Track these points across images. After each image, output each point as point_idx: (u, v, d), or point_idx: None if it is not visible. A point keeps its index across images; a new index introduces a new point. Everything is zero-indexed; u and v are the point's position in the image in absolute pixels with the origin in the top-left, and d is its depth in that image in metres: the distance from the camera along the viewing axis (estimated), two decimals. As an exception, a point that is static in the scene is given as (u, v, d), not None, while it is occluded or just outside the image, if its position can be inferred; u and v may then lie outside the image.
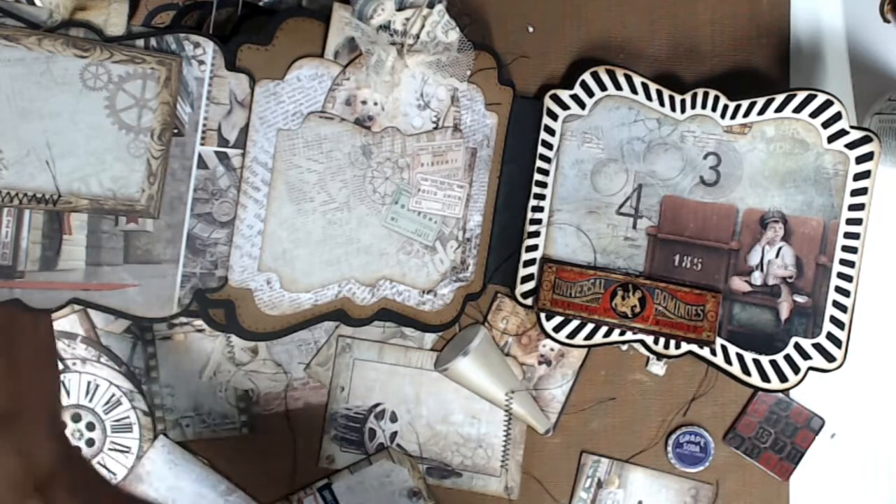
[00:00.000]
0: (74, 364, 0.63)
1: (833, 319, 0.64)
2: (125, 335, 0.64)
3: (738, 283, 0.65)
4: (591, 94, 0.66)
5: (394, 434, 0.68)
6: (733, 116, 0.65)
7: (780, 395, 0.69)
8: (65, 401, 0.62)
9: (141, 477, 0.65)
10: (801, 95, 0.64)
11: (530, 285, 0.67)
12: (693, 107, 0.65)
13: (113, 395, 0.63)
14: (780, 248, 0.65)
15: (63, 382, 0.63)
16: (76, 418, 0.63)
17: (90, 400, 0.63)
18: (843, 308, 0.64)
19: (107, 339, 0.64)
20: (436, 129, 0.64)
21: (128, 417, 0.64)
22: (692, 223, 0.66)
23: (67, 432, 0.61)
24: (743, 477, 0.69)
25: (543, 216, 0.67)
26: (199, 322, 0.64)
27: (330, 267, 0.62)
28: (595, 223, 0.67)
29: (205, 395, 0.65)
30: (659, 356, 0.66)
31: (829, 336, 0.64)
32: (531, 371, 0.69)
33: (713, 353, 0.65)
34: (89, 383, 0.63)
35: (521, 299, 0.67)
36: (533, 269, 0.67)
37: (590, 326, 0.66)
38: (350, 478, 0.67)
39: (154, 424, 0.65)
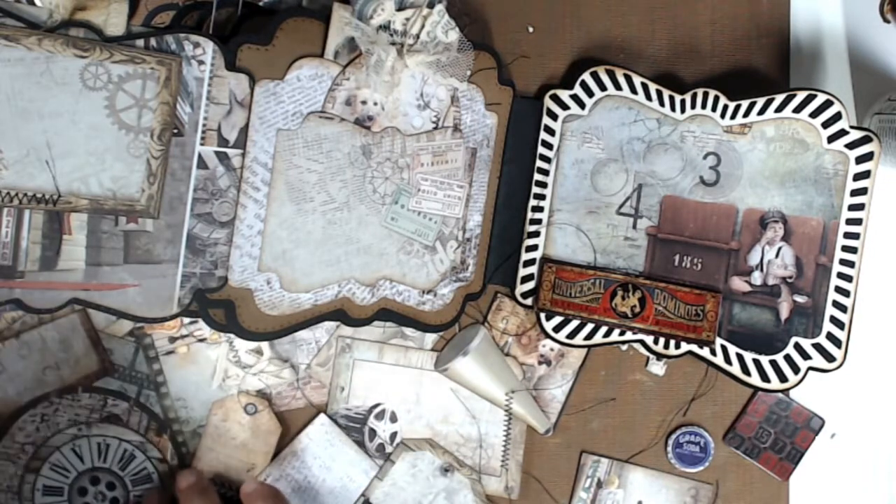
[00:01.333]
0: (80, 430, 0.63)
1: (833, 319, 0.64)
2: (127, 339, 0.64)
3: (738, 283, 0.65)
4: (591, 94, 0.66)
5: (394, 434, 0.68)
6: (733, 116, 0.65)
7: (780, 395, 0.69)
8: (80, 466, 0.63)
9: (296, 452, 0.66)
10: (801, 95, 0.64)
11: (530, 285, 0.67)
12: (693, 107, 0.65)
13: (125, 451, 0.63)
14: (780, 248, 0.65)
15: (75, 450, 0.63)
16: (95, 481, 0.63)
17: (104, 461, 0.63)
18: (843, 308, 0.64)
19: (108, 342, 0.64)
20: (436, 129, 0.64)
21: (144, 469, 0.64)
22: (692, 223, 0.66)
23: (89, 496, 0.63)
24: (743, 477, 0.69)
25: (543, 216, 0.67)
26: (199, 332, 0.65)
27: (330, 267, 0.63)
28: (595, 223, 0.67)
29: None
30: (659, 356, 0.66)
31: (829, 336, 0.64)
32: (531, 371, 0.69)
33: (713, 353, 0.65)
34: (99, 444, 0.63)
35: (520, 299, 0.67)
36: (533, 269, 0.67)
37: (590, 326, 0.66)
38: (381, 484, 0.67)
39: (171, 470, 0.65)
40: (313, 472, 0.66)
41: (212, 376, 0.65)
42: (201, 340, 0.65)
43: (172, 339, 0.65)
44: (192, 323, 0.65)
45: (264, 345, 0.65)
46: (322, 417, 0.66)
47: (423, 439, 0.67)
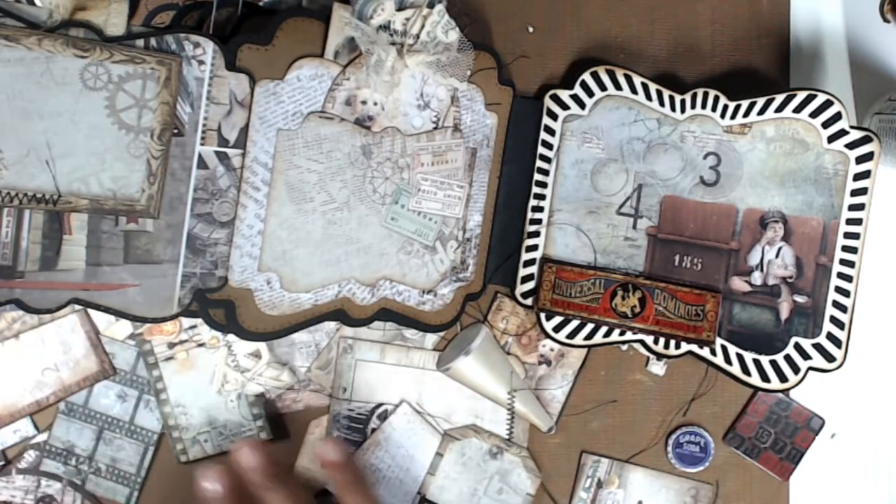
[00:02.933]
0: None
1: (833, 319, 0.64)
2: (127, 342, 0.64)
3: (738, 283, 0.65)
4: (591, 94, 0.66)
5: (394, 434, 0.68)
6: (733, 116, 0.65)
7: (780, 395, 0.69)
8: None
9: (379, 442, 0.66)
10: (801, 95, 0.64)
11: (530, 285, 0.67)
12: (693, 107, 0.65)
13: None
14: (780, 248, 0.65)
15: None
16: None
17: None
18: (843, 308, 0.64)
19: (110, 345, 0.64)
20: (436, 129, 0.64)
21: None
22: (692, 223, 0.66)
23: None
24: (743, 477, 0.69)
25: (543, 216, 0.67)
26: (198, 336, 0.65)
27: (330, 267, 0.62)
28: (595, 223, 0.67)
29: (217, 408, 0.65)
30: (659, 356, 0.66)
31: (829, 336, 0.64)
32: (532, 370, 0.69)
33: (713, 353, 0.65)
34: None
35: (520, 299, 0.67)
36: (533, 269, 0.67)
37: (590, 326, 0.66)
38: (434, 479, 0.67)
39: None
40: (397, 461, 0.66)
41: (211, 381, 0.65)
42: (200, 345, 0.65)
43: (172, 345, 0.65)
44: (191, 328, 0.65)
45: (263, 348, 0.65)
46: (405, 407, 0.66)
47: (466, 426, 0.67)
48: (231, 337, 0.64)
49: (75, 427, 0.65)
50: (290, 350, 0.66)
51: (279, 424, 0.66)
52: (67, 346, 0.64)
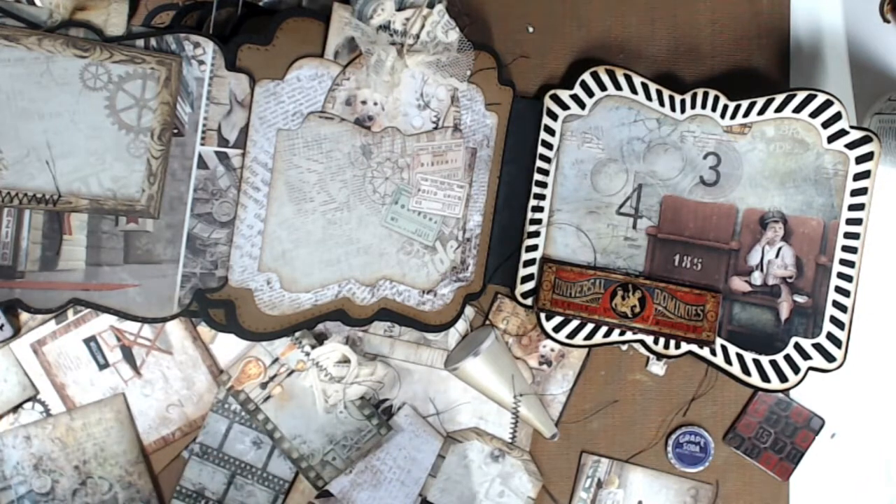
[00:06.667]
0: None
1: (833, 319, 0.64)
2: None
3: (738, 283, 0.65)
4: (591, 94, 0.66)
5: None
6: (733, 116, 0.65)
7: (780, 395, 0.69)
8: None
9: (380, 443, 0.66)
10: (801, 95, 0.64)
11: (530, 285, 0.67)
12: (693, 107, 0.65)
13: None
14: (780, 248, 0.65)
15: None
16: None
17: None
18: (843, 308, 0.64)
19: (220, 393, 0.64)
20: (436, 129, 0.64)
21: None
22: (692, 223, 0.66)
23: None
24: (743, 477, 0.69)
25: (543, 216, 0.67)
26: (284, 367, 0.65)
27: (330, 267, 0.62)
28: (595, 223, 0.67)
29: (331, 425, 0.65)
30: (659, 356, 0.66)
31: (829, 336, 0.64)
32: (538, 375, 0.68)
33: (713, 353, 0.65)
34: None
35: (520, 299, 0.67)
36: (533, 269, 0.67)
37: (590, 326, 0.66)
38: (436, 481, 0.67)
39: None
40: (398, 462, 0.66)
41: (313, 402, 0.65)
42: (290, 374, 0.65)
43: (264, 385, 0.65)
44: (274, 361, 0.65)
45: (348, 352, 0.64)
46: (407, 408, 0.66)
47: (468, 429, 0.67)
48: (315, 354, 0.64)
49: (207, 470, 0.64)
50: (380, 340, 0.66)
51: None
52: (190, 381, 0.64)
